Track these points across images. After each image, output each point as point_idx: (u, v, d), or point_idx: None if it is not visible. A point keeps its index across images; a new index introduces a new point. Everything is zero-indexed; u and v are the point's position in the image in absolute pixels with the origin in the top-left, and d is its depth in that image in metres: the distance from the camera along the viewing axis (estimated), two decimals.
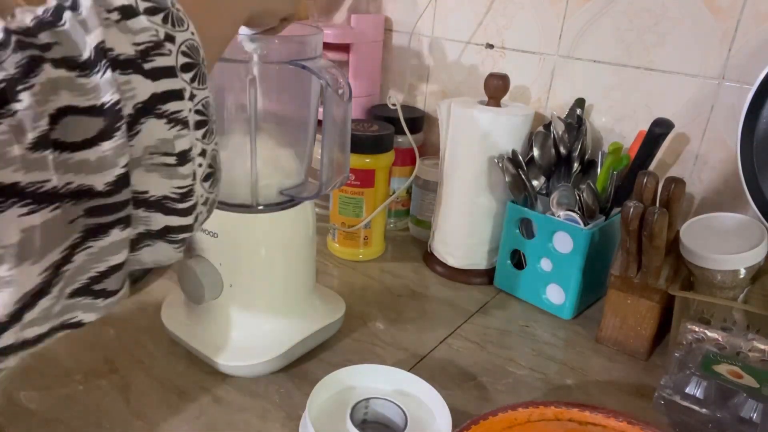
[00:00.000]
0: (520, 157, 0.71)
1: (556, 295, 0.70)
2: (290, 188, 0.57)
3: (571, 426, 0.48)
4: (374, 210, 0.79)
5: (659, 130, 0.65)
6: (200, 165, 0.34)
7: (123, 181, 0.29)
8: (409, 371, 0.53)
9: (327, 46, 0.89)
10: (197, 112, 0.34)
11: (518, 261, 0.74)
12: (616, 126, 0.77)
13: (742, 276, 0.59)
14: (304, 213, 0.59)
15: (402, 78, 0.96)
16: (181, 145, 0.32)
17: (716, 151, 0.71)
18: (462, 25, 0.87)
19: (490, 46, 0.85)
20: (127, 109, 0.29)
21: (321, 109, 0.52)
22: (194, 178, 0.34)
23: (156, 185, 0.32)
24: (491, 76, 0.73)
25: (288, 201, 0.57)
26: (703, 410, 0.48)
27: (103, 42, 0.28)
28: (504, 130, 0.71)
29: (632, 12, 0.72)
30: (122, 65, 0.29)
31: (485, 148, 0.72)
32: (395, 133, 0.81)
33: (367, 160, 0.77)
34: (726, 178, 0.71)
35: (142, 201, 0.32)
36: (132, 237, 0.33)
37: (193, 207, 0.35)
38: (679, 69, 0.71)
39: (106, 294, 0.31)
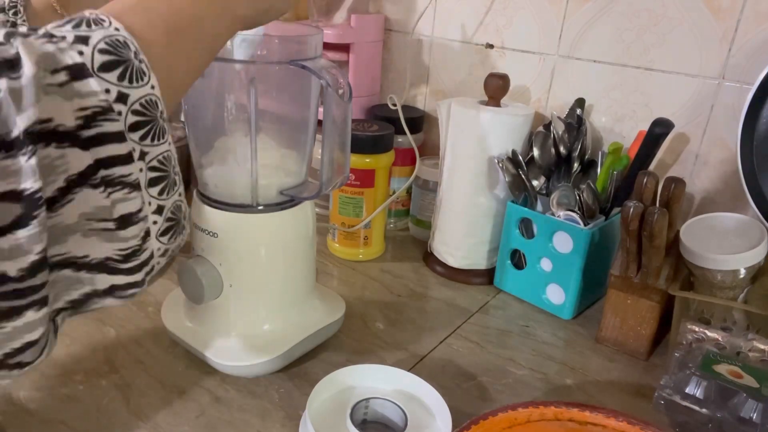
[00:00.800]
0: (520, 157, 0.71)
1: (556, 295, 0.70)
2: (290, 188, 0.57)
3: (571, 426, 0.48)
4: (374, 210, 0.79)
5: (659, 130, 0.65)
6: (155, 222, 0.33)
7: (38, 267, 0.28)
8: (409, 371, 0.53)
9: (327, 46, 0.89)
10: (152, 168, 0.32)
11: (518, 261, 0.74)
12: (616, 126, 0.77)
13: (742, 276, 0.59)
14: (304, 213, 0.59)
15: (402, 78, 0.96)
16: (123, 209, 0.31)
17: (716, 151, 0.71)
18: (462, 25, 0.87)
19: (490, 46, 0.85)
20: (58, 183, 0.28)
21: (321, 109, 0.52)
22: (144, 238, 0.33)
23: (95, 249, 0.31)
24: (491, 76, 0.73)
25: (288, 201, 0.57)
26: (703, 410, 0.48)
27: (35, 124, 0.27)
28: (504, 130, 0.71)
29: (632, 12, 0.72)
30: (59, 138, 0.28)
31: (485, 148, 0.72)
32: (395, 133, 0.81)
33: (367, 160, 0.77)
34: (726, 178, 0.71)
35: (82, 264, 0.31)
36: (77, 298, 0.32)
37: (143, 264, 0.33)
38: (679, 69, 0.71)
39: (21, 365, 0.30)
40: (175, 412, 0.53)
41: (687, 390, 0.50)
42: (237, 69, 0.53)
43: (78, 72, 0.28)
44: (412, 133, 0.83)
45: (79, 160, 0.29)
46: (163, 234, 0.34)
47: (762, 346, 0.54)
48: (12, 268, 0.27)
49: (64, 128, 0.28)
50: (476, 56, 0.87)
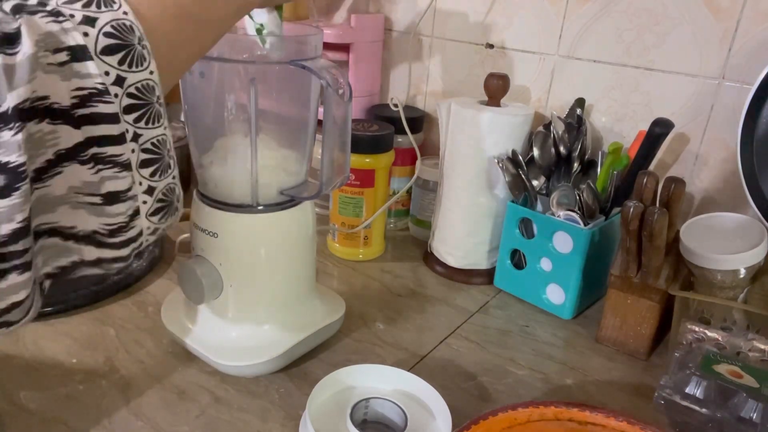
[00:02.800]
0: (520, 157, 0.71)
1: (556, 295, 0.70)
2: (290, 188, 0.57)
3: (571, 426, 0.48)
4: (374, 210, 0.79)
5: (659, 130, 0.65)
6: (145, 202, 0.34)
7: (20, 234, 0.29)
8: (409, 371, 0.53)
9: (327, 46, 0.89)
10: (145, 150, 0.33)
11: (518, 261, 0.74)
12: (616, 126, 0.77)
13: (742, 276, 0.59)
14: (304, 213, 0.59)
15: (402, 78, 0.96)
16: (111, 187, 0.32)
17: (716, 151, 0.71)
18: (462, 25, 0.87)
19: (490, 46, 0.85)
20: (47, 156, 0.29)
21: (321, 109, 0.53)
22: (133, 216, 0.34)
23: (83, 221, 0.33)
24: (491, 76, 0.73)
25: (288, 201, 0.57)
26: (703, 410, 0.48)
27: (26, 101, 0.27)
28: (504, 130, 0.71)
29: (632, 12, 0.72)
30: (53, 115, 0.29)
31: (485, 148, 0.72)
32: (395, 133, 0.81)
33: (367, 160, 0.77)
34: (726, 178, 0.71)
35: (70, 235, 0.33)
36: (65, 265, 0.34)
37: (130, 240, 0.35)
38: (679, 69, 0.71)
39: (8, 324, 0.31)
40: (175, 412, 0.53)
41: (687, 390, 0.50)
42: (237, 69, 0.53)
43: (79, 54, 0.29)
44: (412, 133, 0.83)
45: (69, 136, 0.30)
46: (153, 214, 0.35)
47: (762, 346, 0.54)
48: None
49: (59, 106, 0.29)
50: (476, 56, 0.87)
